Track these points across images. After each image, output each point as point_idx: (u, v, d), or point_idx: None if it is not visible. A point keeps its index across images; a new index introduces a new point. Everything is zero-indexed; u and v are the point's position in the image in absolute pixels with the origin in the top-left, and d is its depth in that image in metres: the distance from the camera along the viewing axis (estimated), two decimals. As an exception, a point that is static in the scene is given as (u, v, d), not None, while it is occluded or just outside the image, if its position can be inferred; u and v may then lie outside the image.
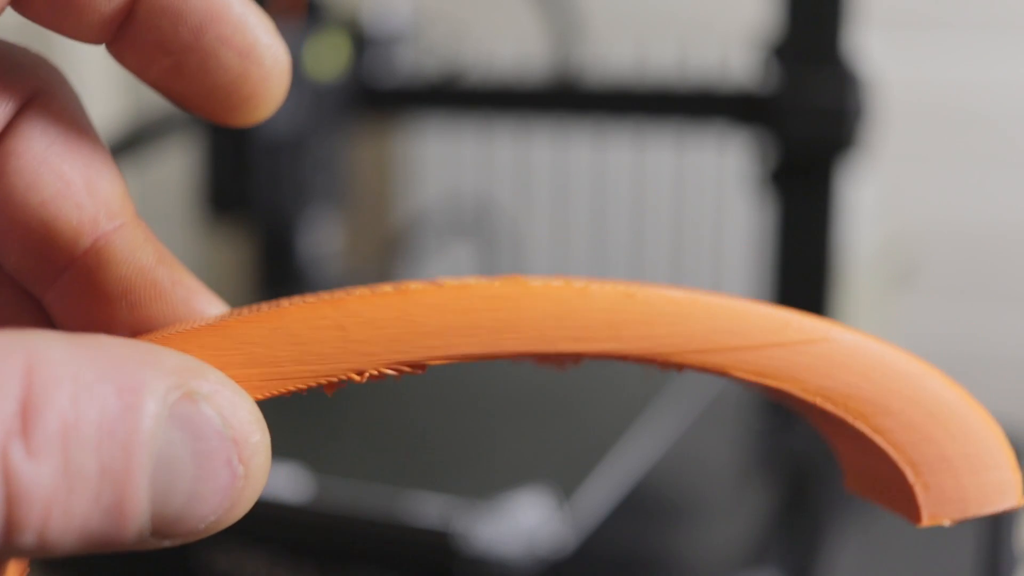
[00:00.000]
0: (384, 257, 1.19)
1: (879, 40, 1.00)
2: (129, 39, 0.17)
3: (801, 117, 0.63)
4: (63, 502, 0.13)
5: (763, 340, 0.17)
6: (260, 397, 0.16)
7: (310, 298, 0.16)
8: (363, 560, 0.49)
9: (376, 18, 0.83)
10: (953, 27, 1.25)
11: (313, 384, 0.16)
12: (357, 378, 0.16)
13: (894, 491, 0.18)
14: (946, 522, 0.17)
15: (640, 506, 0.55)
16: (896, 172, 1.24)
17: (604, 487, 0.54)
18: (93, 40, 0.17)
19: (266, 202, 0.80)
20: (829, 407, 0.17)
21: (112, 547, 0.14)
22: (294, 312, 0.16)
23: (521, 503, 0.49)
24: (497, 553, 0.47)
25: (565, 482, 0.52)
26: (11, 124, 0.18)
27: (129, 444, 0.13)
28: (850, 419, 0.17)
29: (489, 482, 0.52)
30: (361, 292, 0.16)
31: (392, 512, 0.49)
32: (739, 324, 0.16)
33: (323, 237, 0.85)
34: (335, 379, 0.16)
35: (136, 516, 0.14)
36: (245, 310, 0.17)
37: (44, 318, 0.18)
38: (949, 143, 1.28)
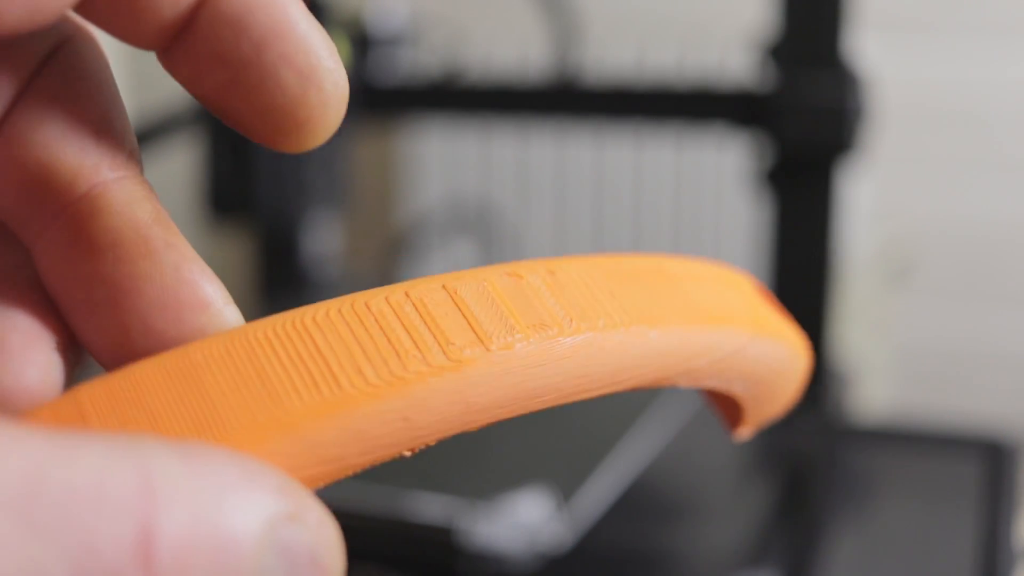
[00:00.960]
0: (386, 257, 1.19)
1: (876, 41, 1.01)
2: (185, 48, 0.17)
3: (799, 118, 0.64)
4: None
5: (710, 358, 0.19)
6: (322, 486, 0.16)
7: (367, 370, 0.16)
8: (366, 557, 0.49)
9: (377, 19, 0.83)
10: (949, 29, 1.25)
11: (370, 465, 0.16)
12: (408, 454, 0.17)
13: (724, 410, 0.22)
14: (752, 432, 0.22)
15: (638, 504, 0.55)
16: (893, 172, 1.25)
17: (604, 486, 0.54)
18: (149, 46, 0.17)
19: (268, 202, 0.80)
20: (724, 389, 0.20)
21: None
22: (361, 404, 0.15)
23: (522, 503, 0.49)
24: (497, 549, 0.47)
25: (565, 482, 0.52)
26: (39, 67, 0.17)
27: (236, 573, 0.13)
28: (729, 391, 0.21)
29: (490, 482, 0.52)
30: (417, 365, 0.16)
31: (394, 510, 0.50)
32: (697, 349, 0.19)
33: (325, 237, 0.85)
34: (388, 459, 0.16)
35: None
36: (302, 385, 0.15)
37: (30, 269, 0.17)
38: (945, 144, 1.28)
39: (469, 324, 0.16)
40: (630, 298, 0.18)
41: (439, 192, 1.26)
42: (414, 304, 0.17)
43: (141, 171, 0.18)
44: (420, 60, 0.89)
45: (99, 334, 0.17)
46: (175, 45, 0.17)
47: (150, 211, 0.17)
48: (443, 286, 0.17)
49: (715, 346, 0.19)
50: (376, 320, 0.16)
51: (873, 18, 0.93)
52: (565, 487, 0.52)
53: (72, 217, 0.17)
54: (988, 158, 1.27)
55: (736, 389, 0.21)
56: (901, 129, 1.18)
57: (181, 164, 0.99)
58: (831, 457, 0.61)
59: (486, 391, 0.16)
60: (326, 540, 0.14)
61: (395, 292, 0.17)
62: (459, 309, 0.17)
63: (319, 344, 0.16)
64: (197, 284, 0.17)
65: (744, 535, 0.53)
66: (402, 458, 0.17)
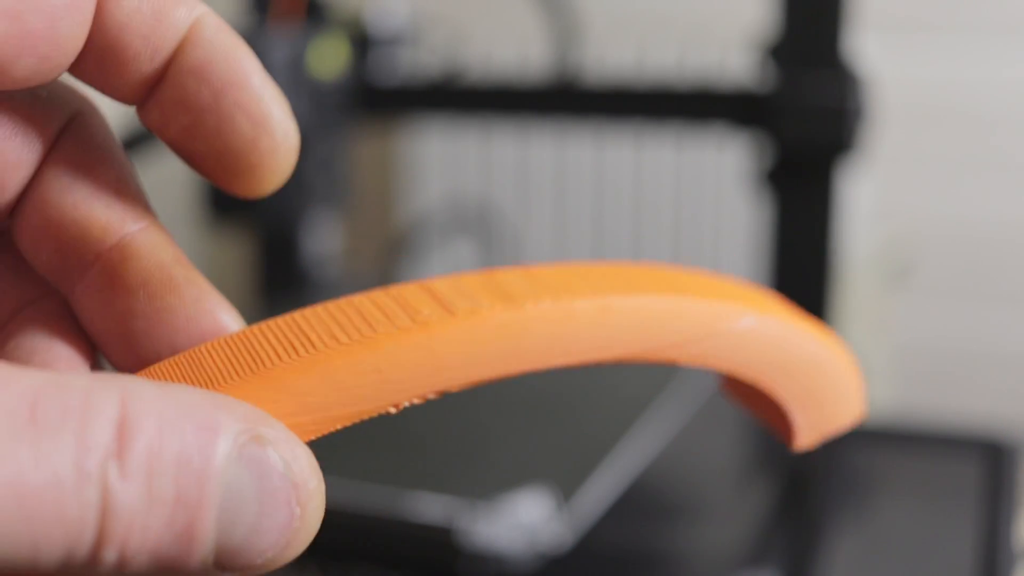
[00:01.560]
0: (386, 257, 1.19)
1: (876, 41, 1.01)
2: (156, 97, 0.19)
3: (799, 118, 0.64)
4: (142, 521, 0.14)
5: (703, 332, 0.20)
6: (310, 439, 0.18)
7: (340, 335, 0.18)
8: (366, 558, 0.50)
9: (377, 19, 0.83)
10: (949, 29, 1.25)
11: (357, 421, 0.18)
12: (393, 410, 0.18)
13: (776, 421, 0.22)
14: (812, 443, 0.22)
15: (638, 504, 0.55)
16: (893, 172, 1.25)
17: (604, 486, 0.54)
18: (129, 100, 0.19)
19: (268, 203, 0.80)
20: (744, 375, 0.21)
21: (177, 573, 0.15)
22: (336, 358, 0.17)
23: (522, 503, 0.49)
24: (497, 549, 0.47)
25: (566, 482, 0.52)
26: (56, 138, 0.20)
27: (203, 476, 0.15)
28: (755, 380, 0.21)
29: (490, 482, 0.53)
30: (385, 328, 0.18)
31: (394, 510, 0.50)
32: (683, 323, 0.19)
33: (325, 237, 0.85)
34: (375, 414, 0.18)
35: (203, 542, 0.15)
36: (283, 351, 0.18)
37: (69, 315, 0.20)
38: (946, 144, 1.28)
39: (438, 301, 0.18)
40: (606, 282, 0.19)
41: (439, 192, 1.26)
42: (392, 297, 0.19)
43: (157, 219, 0.21)
44: (420, 60, 0.89)
45: (133, 361, 0.19)
46: (149, 96, 0.19)
47: (171, 254, 0.20)
48: (420, 284, 0.19)
49: (702, 320, 0.19)
50: (356, 308, 0.18)
51: (873, 18, 0.93)
52: (565, 487, 0.52)
53: (105, 264, 0.20)
54: (988, 158, 1.27)
55: (754, 378, 0.21)
56: (901, 129, 1.18)
57: (182, 165, 0.99)
58: (831, 457, 0.61)
59: (453, 349, 0.18)
60: (297, 458, 0.16)
61: (379, 292, 0.19)
62: (431, 293, 0.19)
63: (302, 326, 0.18)
64: (215, 313, 0.20)
65: (744, 535, 0.53)
66: (388, 415, 0.18)
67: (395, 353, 0.17)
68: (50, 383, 0.14)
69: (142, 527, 0.14)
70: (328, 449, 0.61)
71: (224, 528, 0.15)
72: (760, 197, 0.68)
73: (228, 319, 0.20)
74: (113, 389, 0.15)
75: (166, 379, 0.18)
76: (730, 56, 1.07)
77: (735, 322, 0.20)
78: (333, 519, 0.51)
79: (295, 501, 0.16)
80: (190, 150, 0.19)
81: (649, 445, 0.60)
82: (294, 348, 0.18)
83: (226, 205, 0.79)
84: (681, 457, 0.61)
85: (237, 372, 0.17)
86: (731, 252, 1.17)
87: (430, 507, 0.50)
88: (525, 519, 0.49)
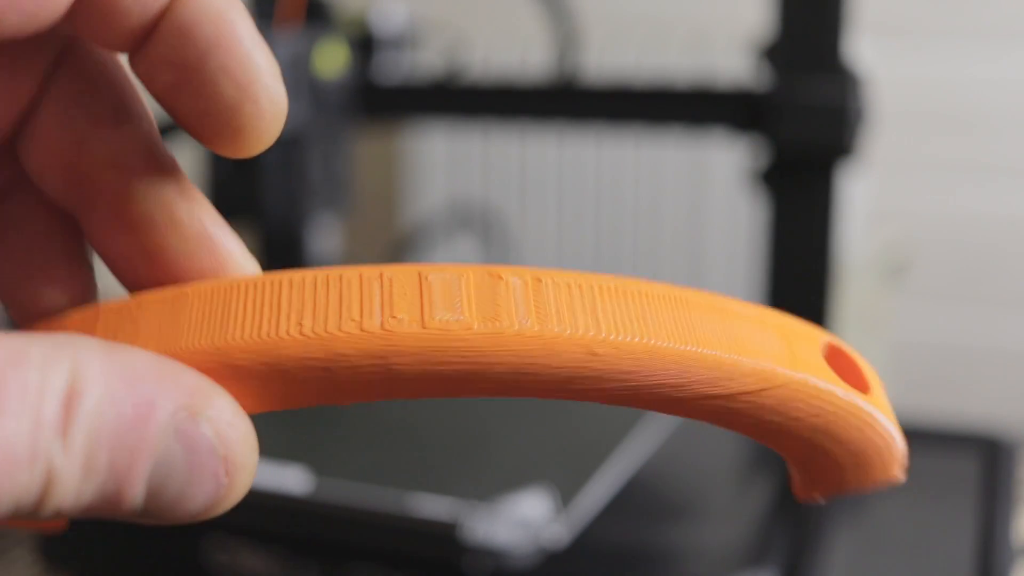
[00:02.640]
0: (388, 258, 1.19)
1: (874, 43, 1.01)
2: (144, 51, 0.19)
3: (797, 119, 0.64)
4: (77, 487, 0.16)
5: (732, 390, 0.18)
6: (255, 412, 0.18)
7: (306, 323, 0.17)
8: (369, 556, 0.50)
9: (380, 20, 0.84)
10: (947, 31, 1.26)
11: (304, 406, 0.18)
12: (344, 404, 0.18)
13: (800, 471, 0.20)
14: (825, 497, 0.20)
15: (638, 503, 0.55)
16: (891, 173, 1.25)
17: (604, 486, 0.54)
18: (120, 49, 0.19)
19: (270, 204, 0.80)
20: (775, 432, 0.19)
21: (110, 517, 0.17)
22: (288, 348, 0.17)
23: (523, 503, 0.50)
24: (497, 546, 0.48)
25: (566, 482, 0.53)
26: (53, 69, 0.20)
27: (135, 449, 0.16)
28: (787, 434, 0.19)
29: (491, 483, 0.53)
30: (350, 327, 0.17)
31: (396, 510, 0.50)
32: (710, 375, 0.18)
33: (327, 238, 0.86)
34: (322, 405, 0.18)
35: (131, 504, 0.17)
36: (250, 325, 0.18)
37: (81, 240, 0.21)
38: (943, 145, 1.28)
39: (421, 304, 0.18)
40: (614, 313, 0.18)
41: (441, 193, 1.26)
42: (382, 281, 0.18)
43: (162, 147, 0.20)
44: (422, 61, 0.90)
45: (140, 286, 0.20)
46: (138, 49, 0.19)
47: (175, 187, 0.20)
48: (418, 272, 0.18)
49: (699, 381, 0.18)
50: (340, 288, 0.18)
51: (871, 20, 0.93)
52: (566, 488, 0.52)
53: (110, 200, 0.20)
54: (985, 159, 1.27)
55: (777, 444, 0.19)
56: (899, 130, 1.19)
57: (183, 165, 0.99)
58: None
59: (410, 362, 0.17)
60: (230, 437, 0.17)
61: (371, 270, 0.18)
62: (420, 291, 0.18)
63: (282, 297, 0.18)
64: (219, 247, 0.20)
65: (743, 534, 0.53)
66: (337, 406, 0.18)
67: (349, 358, 0.17)
68: (11, 356, 0.15)
69: (77, 492, 0.16)
70: (329, 449, 0.61)
71: (152, 492, 0.17)
72: (758, 198, 0.68)
73: (232, 245, 0.20)
74: (65, 359, 0.16)
75: (147, 313, 0.18)
76: (728, 58, 1.08)
77: (741, 384, 0.18)
78: (336, 518, 0.51)
79: (223, 473, 0.17)
80: (174, 107, 0.19)
81: (649, 445, 0.60)
82: (260, 325, 0.18)
83: (228, 205, 0.80)
84: (680, 455, 0.61)
85: (201, 333, 0.18)
86: (730, 253, 1.17)
87: (432, 507, 0.50)
88: (526, 519, 0.49)
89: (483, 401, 0.64)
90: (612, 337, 0.17)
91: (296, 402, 0.18)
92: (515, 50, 1.17)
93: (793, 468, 0.20)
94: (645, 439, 0.60)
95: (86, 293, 0.21)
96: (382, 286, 0.18)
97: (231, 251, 0.20)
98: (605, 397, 0.18)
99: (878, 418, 0.19)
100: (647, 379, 0.18)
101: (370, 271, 0.18)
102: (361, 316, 0.17)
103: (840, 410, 0.18)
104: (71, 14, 0.18)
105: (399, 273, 0.18)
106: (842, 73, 0.64)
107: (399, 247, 1.16)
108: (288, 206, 0.81)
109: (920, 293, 1.30)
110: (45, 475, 0.15)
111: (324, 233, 0.85)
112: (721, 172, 1.17)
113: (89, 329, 0.18)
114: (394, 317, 0.17)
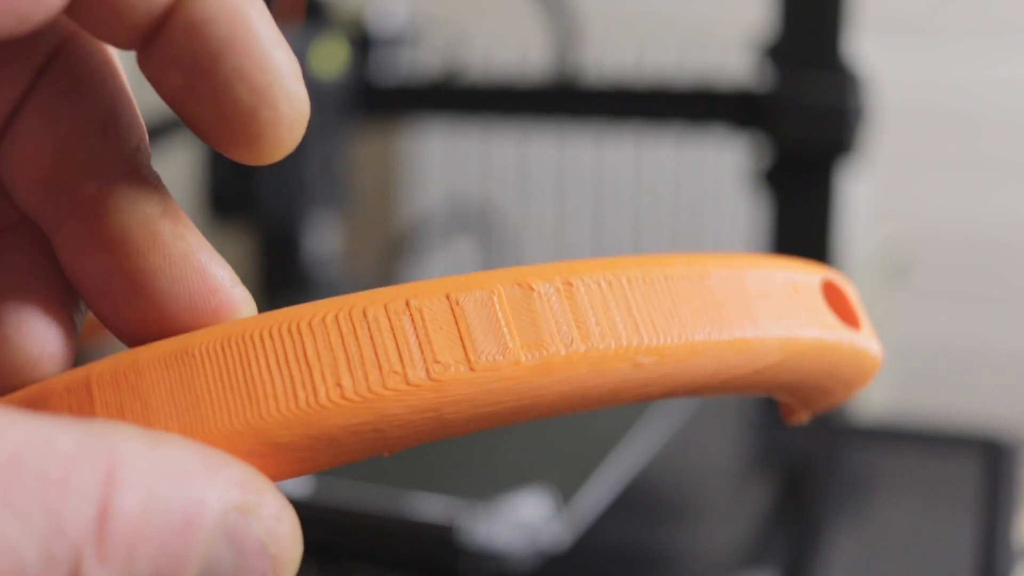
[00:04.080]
0: (386, 257, 1.19)
1: (874, 42, 1.01)
2: (152, 49, 0.17)
3: (798, 118, 0.64)
4: None
5: (757, 367, 0.18)
6: (293, 477, 0.17)
7: (346, 382, 0.16)
8: (368, 557, 0.50)
9: (378, 19, 0.84)
10: (948, 30, 1.26)
11: (345, 463, 0.17)
12: (387, 454, 0.17)
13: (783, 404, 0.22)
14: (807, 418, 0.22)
15: (638, 503, 0.55)
16: (891, 173, 1.25)
17: (604, 486, 0.54)
18: (124, 46, 0.17)
19: (268, 203, 0.80)
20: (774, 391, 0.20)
21: None
22: (334, 417, 0.16)
23: (522, 503, 0.49)
24: (497, 547, 0.48)
25: (566, 482, 0.53)
26: (42, 68, 0.18)
27: (182, 557, 0.14)
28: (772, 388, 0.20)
29: (491, 483, 0.53)
30: (396, 383, 0.16)
31: (395, 510, 0.50)
32: (739, 358, 0.18)
33: (325, 237, 0.86)
34: (366, 458, 0.17)
35: None
36: (282, 389, 0.16)
37: (53, 260, 0.18)
38: (944, 144, 1.28)
39: (461, 340, 0.16)
40: (649, 312, 0.18)
41: (440, 192, 1.26)
42: (411, 314, 0.17)
43: (148, 162, 0.18)
44: (421, 60, 0.90)
45: (118, 319, 0.18)
46: (146, 46, 0.17)
47: (157, 204, 0.18)
48: (447, 296, 0.17)
49: (730, 366, 0.18)
50: (369, 328, 0.16)
51: (872, 19, 0.93)
52: (565, 487, 0.52)
53: (86, 214, 0.18)
54: (986, 159, 1.27)
55: (778, 396, 0.20)
56: (900, 129, 1.19)
57: (182, 165, 0.99)
58: (830, 456, 0.62)
59: (462, 409, 0.16)
60: (280, 533, 0.15)
61: (396, 299, 0.17)
62: (455, 322, 0.17)
63: (308, 349, 0.16)
64: (206, 271, 0.18)
65: (744, 534, 0.53)
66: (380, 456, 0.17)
67: (401, 416, 0.16)
68: (35, 442, 0.13)
69: None
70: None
71: None
72: (759, 197, 0.68)
73: (220, 274, 0.18)
74: (100, 453, 0.14)
75: (150, 380, 0.16)
76: (729, 57, 1.07)
77: (757, 364, 0.18)
78: (335, 519, 0.51)
79: (271, 572, 0.15)
80: (185, 112, 0.17)
81: (648, 445, 0.60)
82: (295, 390, 0.16)
83: (227, 205, 0.79)
84: (680, 456, 0.61)
85: (228, 408, 0.16)
86: (729, 252, 1.17)
87: (432, 507, 0.50)
88: (525, 519, 0.49)
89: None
90: (654, 343, 0.17)
91: (338, 462, 0.17)
92: (514, 49, 1.17)
93: (782, 400, 0.21)
94: (645, 439, 0.60)
95: (66, 343, 0.18)
96: (413, 321, 0.16)
97: (219, 276, 0.18)
98: (642, 398, 0.18)
99: (871, 352, 0.20)
100: (684, 374, 0.18)
101: (394, 301, 0.17)
102: (403, 366, 0.16)
103: (843, 353, 0.20)
104: (71, 7, 0.16)
105: (426, 299, 0.17)
106: (843, 72, 0.64)
107: (397, 246, 1.16)
108: (286, 205, 0.81)
109: (921, 293, 1.30)
110: None
111: (322, 232, 0.85)
112: (720, 172, 1.16)
113: (86, 409, 0.16)
114: (438, 362, 0.16)
